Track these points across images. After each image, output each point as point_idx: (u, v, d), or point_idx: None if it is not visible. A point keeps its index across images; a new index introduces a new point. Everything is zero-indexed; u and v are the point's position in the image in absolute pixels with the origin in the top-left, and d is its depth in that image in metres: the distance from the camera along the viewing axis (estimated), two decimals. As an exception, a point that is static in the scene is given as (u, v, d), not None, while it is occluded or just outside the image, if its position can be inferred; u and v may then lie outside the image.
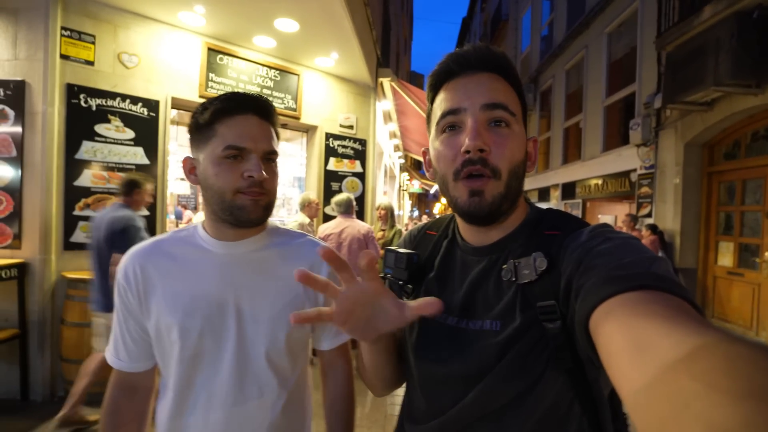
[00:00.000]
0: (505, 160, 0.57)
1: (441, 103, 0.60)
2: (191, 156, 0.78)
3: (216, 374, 0.75)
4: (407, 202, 19.84)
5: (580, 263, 0.49)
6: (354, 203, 3.51)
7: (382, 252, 3.05)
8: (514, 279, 0.56)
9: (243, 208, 0.72)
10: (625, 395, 0.32)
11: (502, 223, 0.62)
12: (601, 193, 7.20)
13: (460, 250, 0.67)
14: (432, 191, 22.48)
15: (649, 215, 5.65)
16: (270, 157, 0.76)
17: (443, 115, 0.59)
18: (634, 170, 6.05)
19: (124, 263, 0.77)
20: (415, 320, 0.62)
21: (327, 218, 4.23)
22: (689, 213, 5.07)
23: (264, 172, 0.73)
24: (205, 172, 0.73)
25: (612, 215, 7.46)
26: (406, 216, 18.34)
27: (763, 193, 4.32)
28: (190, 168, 0.77)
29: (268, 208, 0.77)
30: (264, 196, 0.75)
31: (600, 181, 7.17)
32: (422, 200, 35.31)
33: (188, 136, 0.78)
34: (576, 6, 8.39)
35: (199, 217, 7.47)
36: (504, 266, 0.58)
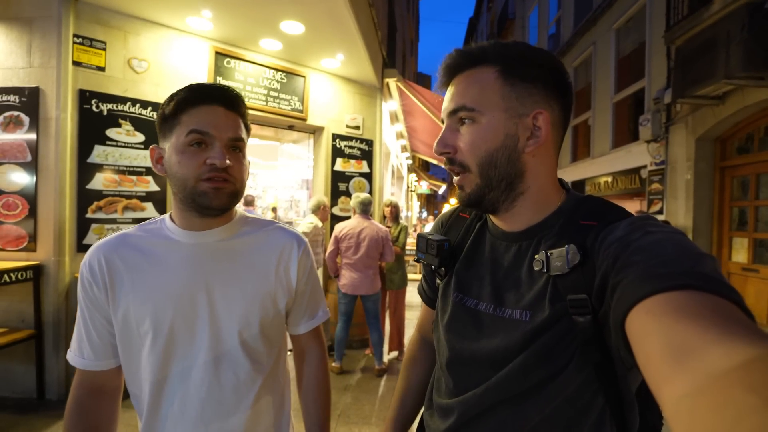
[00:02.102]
0: (468, 154, 0.59)
1: None
2: (159, 146, 0.78)
3: (191, 363, 0.75)
4: (416, 203, 19.80)
5: (617, 259, 0.46)
6: (373, 205, 3.56)
7: (397, 249, 3.05)
8: (545, 270, 0.55)
9: (205, 194, 0.71)
10: (665, 400, 0.30)
11: (520, 209, 0.61)
12: (611, 191, 7.11)
13: (490, 234, 0.68)
14: (440, 192, 22.40)
15: (660, 212, 5.56)
16: (236, 145, 0.76)
17: (441, 123, 0.66)
18: (644, 167, 5.96)
19: (88, 256, 0.76)
20: (448, 303, 0.68)
21: (334, 218, 4.24)
22: (701, 209, 4.98)
23: (228, 160, 0.72)
24: (170, 161, 0.73)
25: (623, 213, 7.34)
26: (415, 217, 18.30)
27: (778, 188, 4.23)
28: (158, 158, 0.77)
29: (232, 196, 0.75)
30: (228, 183, 0.73)
31: (610, 179, 7.08)
32: (431, 201, 35.25)
33: (157, 128, 0.78)
34: (583, 3, 8.31)
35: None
36: (536, 256, 0.56)
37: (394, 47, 6.38)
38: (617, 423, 0.53)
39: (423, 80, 24.08)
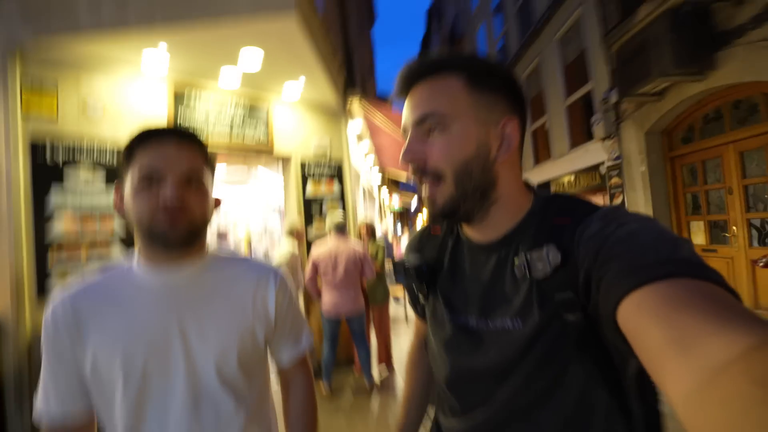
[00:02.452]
0: (442, 163, 0.57)
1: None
2: (121, 188, 0.77)
3: (167, 406, 0.72)
4: (390, 220, 19.86)
5: (598, 253, 0.47)
6: (347, 225, 3.56)
7: (377, 268, 3.05)
8: (528, 274, 0.54)
9: (161, 232, 0.70)
10: (673, 397, 0.30)
11: (493, 218, 0.61)
12: (574, 189, 7.43)
13: (468, 248, 0.66)
14: (412, 208, 22.63)
15: (622, 204, 5.86)
16: (191, 177, 0.74)
17: (402, 134, 0.64)
18: (602, 163, 6.29)
19: (52, 305, 0.74)
20: (439, 322, 0.67)
21: (309, 243, 4.20)
22: (659, 198, 5.29)
23: (182, 194, 0.71)
24: (128, 202, 0.73)
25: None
26: (390, 234, 18.30)
27: (722, 171, 4.56)
28: (120, 199, 0.76)
29: (191, 230, 0.73)
30: (182, 217, 0.71)
31: (572, 177, 7.41)
32: (405, 216, 35.46)
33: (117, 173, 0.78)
34: (525, 17, 8.86)
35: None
36: (516, 261, 0.56)
37: (353, 70, 6.53)
38: (623, 411, 0.53)
39: (383, 104, 24.56)
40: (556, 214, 0.57)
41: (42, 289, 2.69)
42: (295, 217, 4.08)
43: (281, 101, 4.07)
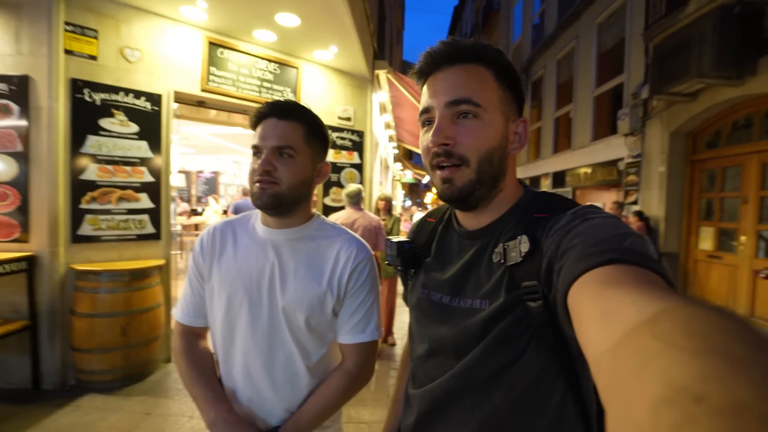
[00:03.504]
0: (472, 149, 0.60)
1: (422, 101, 0.66)
2: None
3: (251, 339, 0.89)
4: (400, 192, 19.92)
5: (559, 245, 0.50)
6: (363, 195, 3.58)
7: None
8: (503, 261, 0.58)
9: (254, 195, 0.86)
10: (590, 358, 0.33)
11: (490, 206, 0.65)
12: (590, 182, 7.39)
13: (456, 234, 0.71)
14: (424, 181, 22.59)
15: (635, 202, 5.85)
16: (282, 152, 0.85)
17: (421, 113, 0.65)
18: (622, 159, 6.23)
19: (202, 234, 0.96)
20: (415, 299, 0.73)
21: (326, 209, 4.31)
22: (673, 200, 5.28)
23: (274, 164, 0.84)
24: None
25: (600, 203, 7.67)
26: (399, 206, 18.43)
27: (741, 180, 4.53)
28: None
29: (275, 197, 0.84)
30: (272, 185, 0.84)
31: (589, 170, 7.36)
32: (414, 190, 35.41)
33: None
34: (566, -4, 8.47)
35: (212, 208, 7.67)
36: (496, 249, 0.60)
37: (383, 39, 6.39)
38: (578, 403, 0.56)
39: (408, 68, 23.86)
40: (537, 209, 0.61)
41: (76, 229, 2.85)
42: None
43: (312, 64, 4.07)
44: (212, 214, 7.68)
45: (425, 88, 0.65)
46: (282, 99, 0.92)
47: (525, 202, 0.65)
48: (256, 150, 0.86)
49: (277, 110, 0.87)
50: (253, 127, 0.89)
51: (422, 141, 0.65)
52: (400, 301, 5.41)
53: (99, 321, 2.73)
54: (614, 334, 0.30)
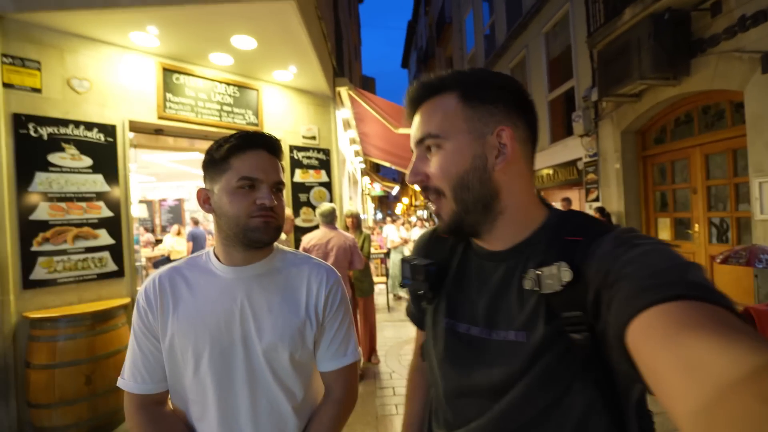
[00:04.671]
0: (441, 179, 0.60)
1: None
2: (205, 187, 0.85)
3: (229, 391, 0.82)
4: (370, 206, 19.96)
5: (608, 273, 0.46)
6: (336, 213, 3.54)
7: (365, 260, 3.10)
8: (537, 289, 0.53)
9: (257, 229, 0.81)
10: (679, 416, 0.30)
11: (500, 230, 0.61)
12: (553, 182, 7.69)
13: (475, 255, 0.66)
14: (393, 192, 22.76)
15: (596, 199, 6.14)
16: (278, 187, 0.87)
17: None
18: (580, 159, 6.54)
19: (144, 285, 0.85)
20: (439, 330, 0.66)
21: (297, 230, 4.24)
22: (630, 194, 5.58)
23: (273, 199, 0.82)
24: (220, 201, 0.82)
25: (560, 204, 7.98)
26: (371, 219, 18.44)
27: (688, 172, 4.86)
28: (205, 198, 0.85)
29: (277, 230, 0.85)
30: (274, 219, 0.84)
31: (551, 171, 7.67)
32: (384, 202, 35.61)
33: (202, 170, 0.86)
34: (514, 8, 8.90)
35: (168, 241, 7.27)
36: (527, 274, 0.55)
37: (341, 55, 6.46)
38: None
39: (367, 82, 24.34)
40: (569, 231, 0.57)
41: (28, 274, 2.64)
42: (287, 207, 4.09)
43: (272, 85, 4.03)
44: (175, 242, 7.22)
45: None
46: (252, 130, 0.89)
47: (553, 224, 0.60)
48: (250, 182, 0.80)
49: (269, 145, 0.85)
50: (232, 152, 0.81)
51: None
52: (380, 317, 5.35)
53: (59, 371, 2.51)
54: (704, 390, 0.28)
